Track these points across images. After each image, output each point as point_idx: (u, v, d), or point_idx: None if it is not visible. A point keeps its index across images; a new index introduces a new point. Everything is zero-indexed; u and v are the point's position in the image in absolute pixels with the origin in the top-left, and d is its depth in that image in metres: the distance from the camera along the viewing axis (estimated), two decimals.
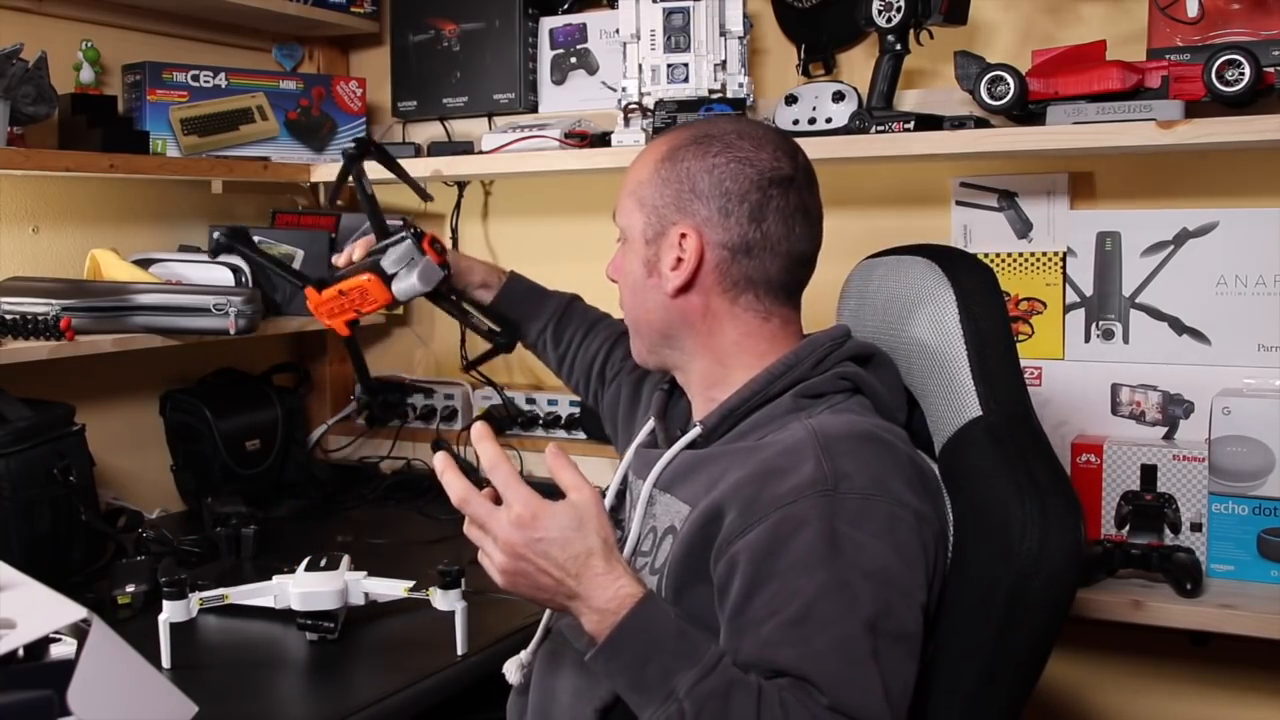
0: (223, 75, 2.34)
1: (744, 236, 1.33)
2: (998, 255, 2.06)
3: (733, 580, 1.16)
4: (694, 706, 1.08)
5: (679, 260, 1.34)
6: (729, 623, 1.17)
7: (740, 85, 2.07)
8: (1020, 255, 2.05)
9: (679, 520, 1.26)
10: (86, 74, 2.19)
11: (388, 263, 1.68)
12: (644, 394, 1.62)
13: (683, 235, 1.34)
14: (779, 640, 1.11)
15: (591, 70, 2.38)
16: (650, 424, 1.46)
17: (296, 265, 2.40)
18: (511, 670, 1.40)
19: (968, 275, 1.36)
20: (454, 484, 1.20)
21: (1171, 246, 1.94)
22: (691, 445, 1.34)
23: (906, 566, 1.17)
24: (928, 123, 1.89)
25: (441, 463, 1.22)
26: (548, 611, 1.39)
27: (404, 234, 1.69)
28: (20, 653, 0.94)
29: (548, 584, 1.17)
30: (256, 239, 2.39)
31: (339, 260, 1.77)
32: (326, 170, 2.44)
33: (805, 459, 1.19)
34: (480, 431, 1.22)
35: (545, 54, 2.41)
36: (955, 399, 1.33)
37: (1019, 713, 1.27)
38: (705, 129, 1.37)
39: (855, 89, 2.06)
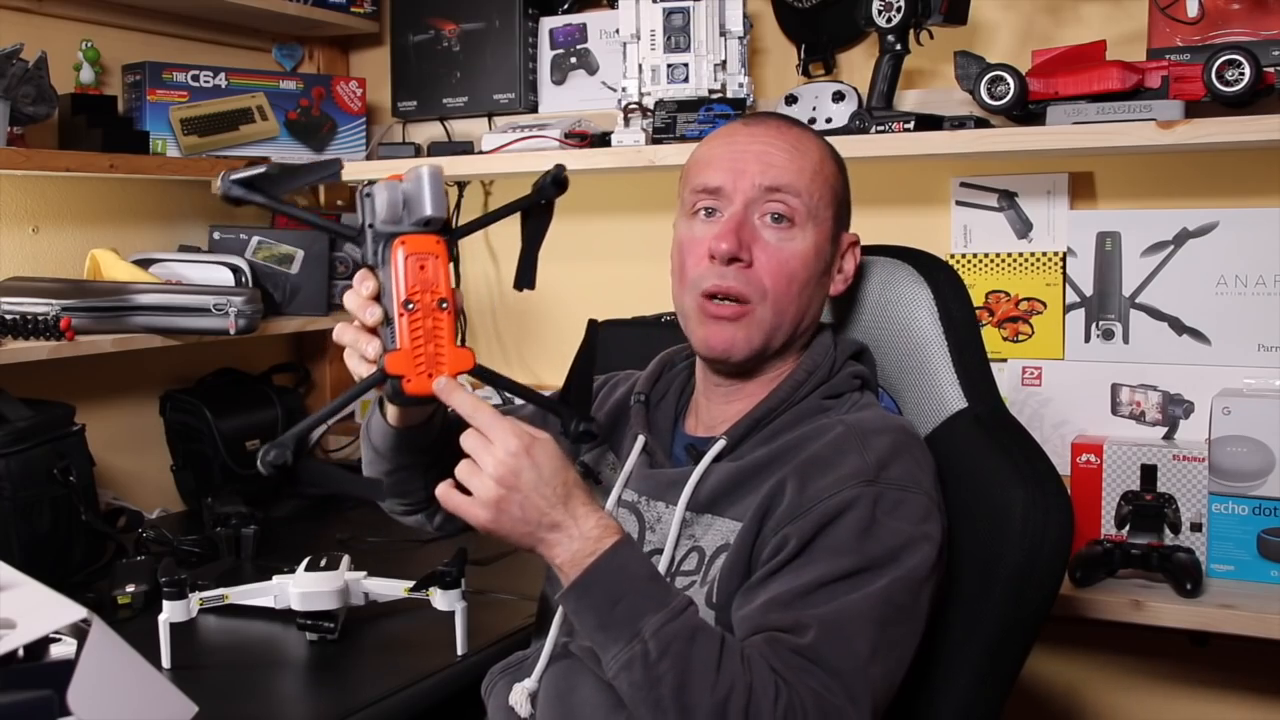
0: (223, 75, 2.34)
1: None
2: (998, 255, 2.06)
3: (778, 555, 1.20)
4: (658, 646, 1.10)
5: (843, 265, 1.40)
6: (758, 583, 1.20)
7: (740, 85, 2.07)
8: (1020, 255, 2.05)
9: (734, 536, 1.26)
10: (86, 74, 2.19)
11: (379, 221, 1.17)
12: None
13: (855, 244, 1.41)
14: (785, 601, 1.16)
15: (591, 70, 2.38)
16: (641, 440, 1.39)
17: (296, 266, 2.40)
18: (521, 700, 1.34)
19: (942, 277, 1.43)
20: (463, 399, 1.16)
21: (1171, 246, 1.94)
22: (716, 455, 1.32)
23: (929, 554, 1.22)
24: (928, 123, 1.89)
25: (446, 385, 1.16)
26: (552, 636, 1.34)
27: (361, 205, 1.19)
28: (20, 653, 0.94)
29: (533, 514, 1.15)
30: (256, 239, 2.40)
31: (358, 305, 1.21)
32: None
33: (847, 453, 1.24)
34: (447, 384, 1.16)
35: (545, 54, 2.41)
36: (936, 392, 1.40)
37: (1013, 685, 1.32)
38: (821, 138, 1.40)
39: (855, 89, 2.07)
